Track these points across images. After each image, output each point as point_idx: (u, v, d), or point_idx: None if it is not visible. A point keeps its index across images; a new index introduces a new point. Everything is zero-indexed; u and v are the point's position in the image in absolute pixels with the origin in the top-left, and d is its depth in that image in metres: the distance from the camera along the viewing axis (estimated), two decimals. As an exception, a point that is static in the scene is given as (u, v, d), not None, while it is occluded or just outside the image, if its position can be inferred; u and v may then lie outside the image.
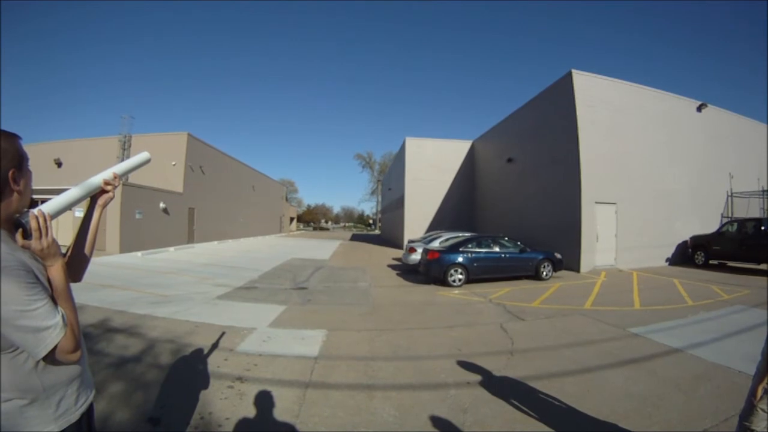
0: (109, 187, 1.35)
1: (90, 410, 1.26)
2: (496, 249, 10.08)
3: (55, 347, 1.00)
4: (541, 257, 10.12)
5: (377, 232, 53.91)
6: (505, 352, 4.47)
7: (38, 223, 1.06)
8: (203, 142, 23.09)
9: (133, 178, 19.37)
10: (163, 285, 8.58)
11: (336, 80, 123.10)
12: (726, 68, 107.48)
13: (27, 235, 1.05)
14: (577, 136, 11.73)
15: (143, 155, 1.51)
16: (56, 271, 1.10)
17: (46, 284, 1.07)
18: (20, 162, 1.09)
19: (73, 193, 1.24)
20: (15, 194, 1.08)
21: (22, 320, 0.96)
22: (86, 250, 1.36)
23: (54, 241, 1.10)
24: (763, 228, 10.48)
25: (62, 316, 1.04)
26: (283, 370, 3.86)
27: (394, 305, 7.15)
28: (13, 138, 1.09)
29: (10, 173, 1.05)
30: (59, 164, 21.00)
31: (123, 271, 10.61)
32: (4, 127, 1.08)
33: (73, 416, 1.15)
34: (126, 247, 15.24)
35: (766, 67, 77.79)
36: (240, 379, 3.58)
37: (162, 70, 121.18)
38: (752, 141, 14.65)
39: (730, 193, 14.06)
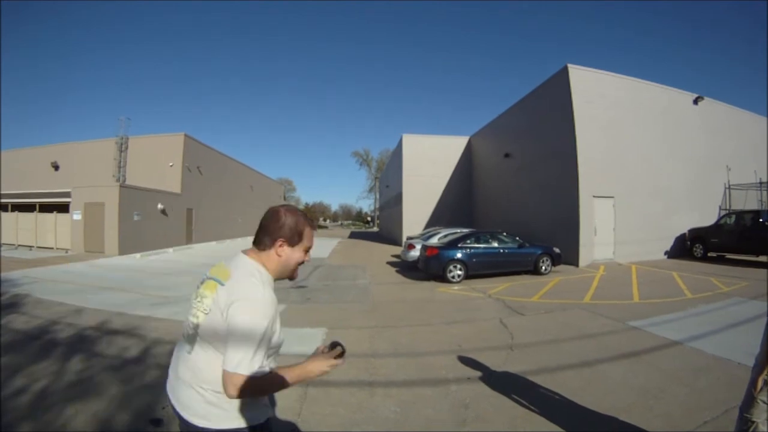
0: None
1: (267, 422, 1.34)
2: (495, 244, 10.09)
3: (242, 377, 1.08)
4: (539, 252, 10.13)
5: (376, 229, 53.86)
6: (506, 347, 4.48)
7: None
8: (200, 142, 22.98)
9: (130, 180, 19.36)
10: (163, 286, 8.57)
11: (332, 79, 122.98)
12: (723, 61, 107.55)
13: (340, 355, 1.29)
14: (574, 130, 11.72)
15: None
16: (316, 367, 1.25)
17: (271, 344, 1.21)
18: (301, 236, 1.32)
19: None
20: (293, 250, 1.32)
21: (256, 332, 1.10)
22: None
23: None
24: (761, 220, 10.52)
25: (264, 367, 1.14)
26: (284, 369, 3.84)
27: (394, 302, 7.16)
28: (312, 223, 1.37)
29: (298, 236, 1.31)
30: (56, 167, 20.91)
31: (122, 273, 10.59)
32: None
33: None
34: (124, 248, 15.20)
35: (765, 59, 77.77)
36: (241, 378, 3.56)
37: (157, 71, 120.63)
38: (749, 133, 14.67)
39: (727, 186, 14.08)
